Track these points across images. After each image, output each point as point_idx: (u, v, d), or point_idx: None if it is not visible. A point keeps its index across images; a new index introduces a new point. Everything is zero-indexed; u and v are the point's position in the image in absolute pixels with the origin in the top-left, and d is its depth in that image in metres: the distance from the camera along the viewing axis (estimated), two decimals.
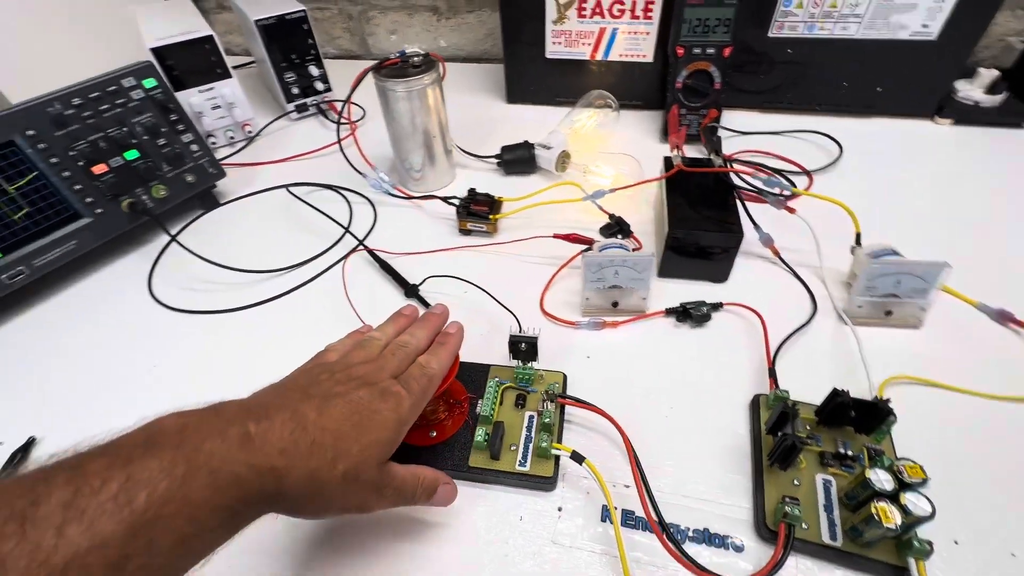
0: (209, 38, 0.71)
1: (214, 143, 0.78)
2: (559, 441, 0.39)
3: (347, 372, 0.31)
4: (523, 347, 0.41)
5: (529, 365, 0.42)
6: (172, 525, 0.21)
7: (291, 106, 0.84)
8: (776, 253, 0.53)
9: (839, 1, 0.66)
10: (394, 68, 0.59)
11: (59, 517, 0.19)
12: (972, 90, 0.72)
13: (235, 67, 0.98)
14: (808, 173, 0.65)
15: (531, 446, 0.38)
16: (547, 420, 0.38)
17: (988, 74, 0.71)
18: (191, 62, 0.72)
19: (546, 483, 0.37)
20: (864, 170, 0.66)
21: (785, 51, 0.71)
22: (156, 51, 0.69)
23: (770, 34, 0.70)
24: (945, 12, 0.64)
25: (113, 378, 0.49)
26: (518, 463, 0.37)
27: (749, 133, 0.73)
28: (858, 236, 0.50)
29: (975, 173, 0.65)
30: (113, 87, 0.56)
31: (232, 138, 0.79)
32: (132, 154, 0.58)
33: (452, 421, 0.40)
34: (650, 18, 0.71)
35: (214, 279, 0.57)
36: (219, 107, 0.76)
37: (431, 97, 0.60)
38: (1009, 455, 0.38)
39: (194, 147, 0.63)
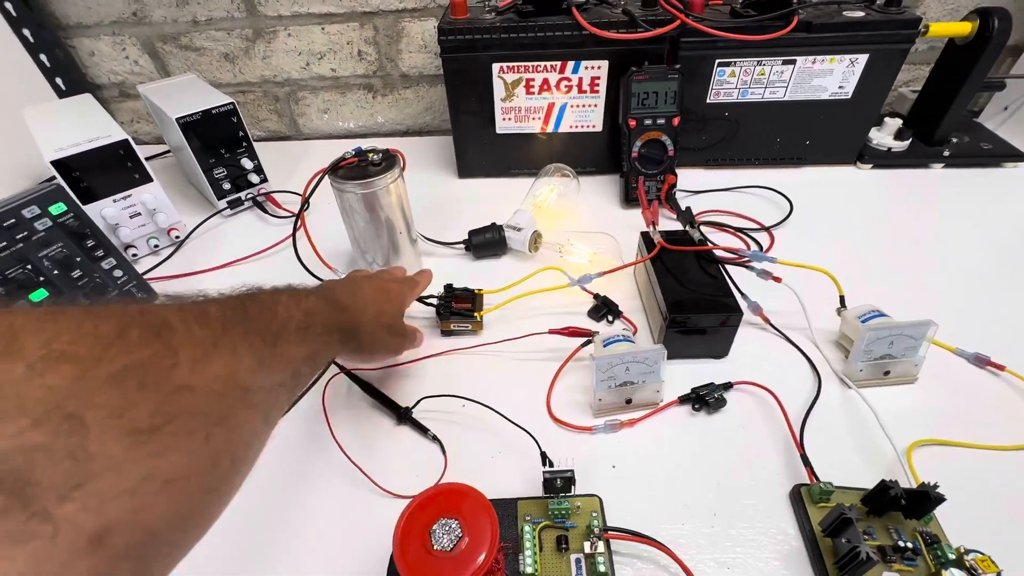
0: (124, 143, 0.63)
1: (135, 255, 0.68)
2: None
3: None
4: (558, 483, 0.37)
5: (563, 497, 0.38)
6: (321, 318, 0.33)
7: (223, 203, 0.76)
8: (766, 320, 0.54)
9: (766, 70, 0.71)
10: (351, 168, 0.55)
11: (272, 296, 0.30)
12: (883, 137, 0.80)
13: (150, 158, 0.89)
14: (767, 229, 0.68)
15: None
16: (601, 568, 0.34)
17: (893, 123, 0.79)
18: (103, 171, 0.63)
19: None
20: (812, 220, 0.70)
21: (723, 113, 0.76)
22: (59, 163, 0.59)
23: (708, 100, 0.74)
24: (856, 75, 0.71)
25: None
26: None
27: (701, 192, 0.76)
28: (842, 299, 0.52)
29: (901, 213, 0.71)
30: (10, 220, 0.47)
31: (156, 247, 0.70)
32: (39, 295, 0.48)
33: None
34: (597, 92, 0.73)
35: None
36: (139, 214, 0.67)
37: (394, 194, 0.56)
38: None
39: (118, 273, 0.54)
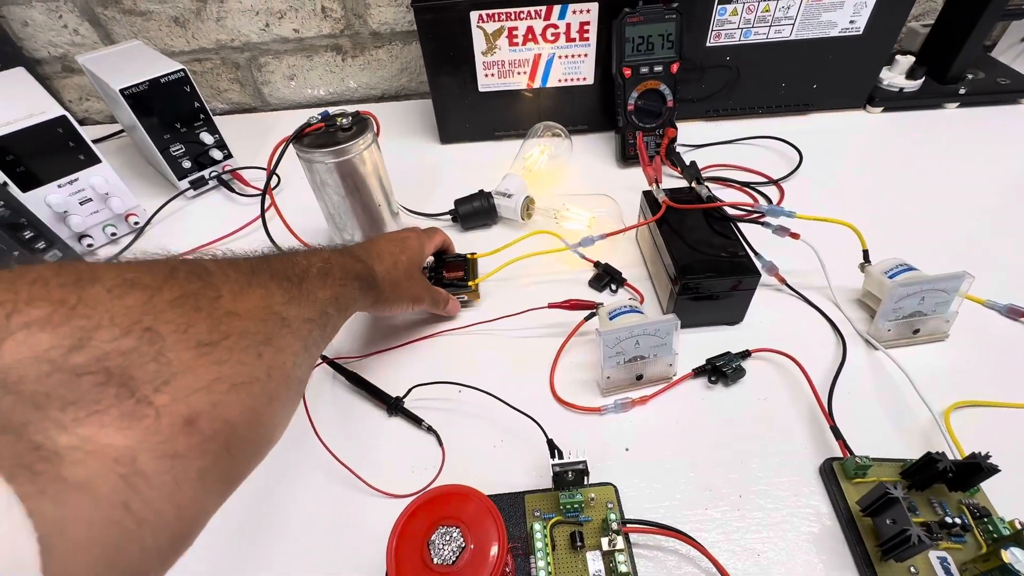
0: (62, 119, 0.56)
1: (91, 245, 0.62)
2: None
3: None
4: (570, 476, 0.33)
5: (575, 489, 0.34)
6: (338, 264, 0.34)
7: (184, 183, 0.69)
8: (782, 280, 0.50)
9: (772, 5, 0.65)
10: (319, 135, 0.49)
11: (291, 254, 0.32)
12: (894, 77, 0.74)
13: (101, 139, 0.82)
14: (776, 183, 0.63)
15: None
16: (623, 568, 0.30)
17: (905, 61, 0.73)
18: (42, 152, 0.56)
19: None
20: (822, 171, 0.65)
21: (723, 58, 0.70)
22: None
23: (708, 43, 0.68)
24: (869, 6, 0.65)
25: None
26: None
27: (703, 146, 0.71)
28: (866, 253, 0.47)
29: (916, 157, 0.66)
30: None
31: (114, 235, 0.64)
32: None
33: None
34: (587, 39, 0.66)
35: None
36: (90, 200, 0.61)
37: (369, 162, 0.51)
38: None
39: None
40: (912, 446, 0.38)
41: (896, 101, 0.74)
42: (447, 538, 0.28)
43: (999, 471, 0.31)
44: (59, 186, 0.58)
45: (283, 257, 0.31)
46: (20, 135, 0.54)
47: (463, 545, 0.28)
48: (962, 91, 0.73)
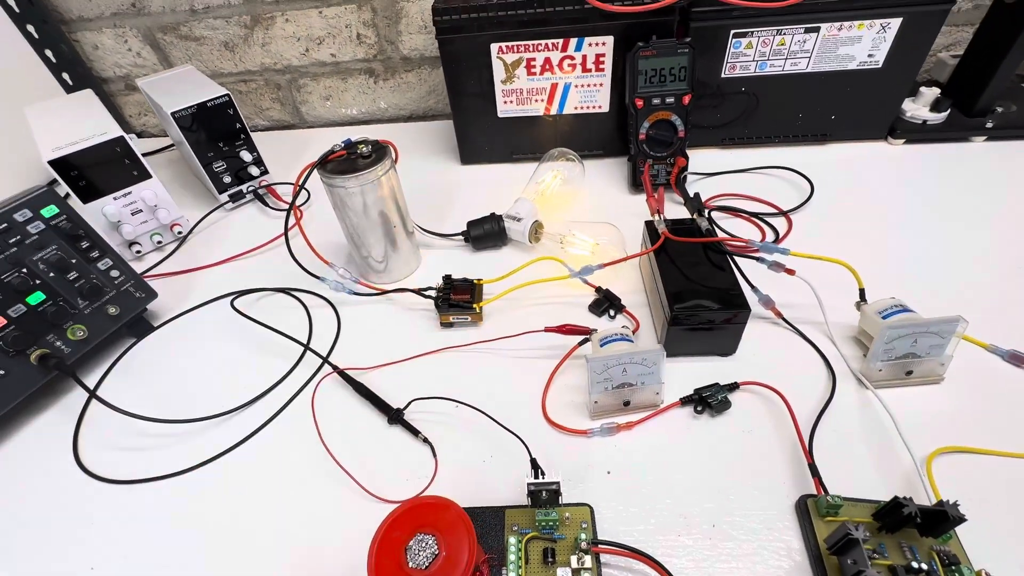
0: (120, 140, 0.63)
1: (139, 252, 0.69)
2: None
3: None
4: (544, 495, 0.35)
5: (551, 507, 0.36)
6: None
7: (224, 196, 0.76)
8: (778, 314, 0.51)
9: (787, 40, 0.65)
10: (341, 161, 0.53)
11: None
12: (918, 109, 0.73)
13: (153, 152, 0.90)
14: (785, 214, 0.64)
15: None
16: None
17: (930, 92, 0.72)
18: (101, 168, 0.63)
19: None
20: (835, 203, 0.65)
21: (739, 88, 0.71)
22: (57, 162, 0.59)
23: (723, 75, 0.69)
24: (888, 41, 0.65)
25: None
26: None
27: (715, 174, 0.72)
28: (862, 292, 0.48)
29: (936, 193, 0.65)
30: (3, 225, 0.47)
31: (160, 243, 0.70)
32: (36, 297, 0.48)
33: None
34: (602, 70, 0.69)
35: (155, 431, 0.49)
36: (140, 211, 0.67)
37: (386, 186, 0.54)
38: None
39: (114, 273, 0.54)
40: (892, 489, 0.38)
41: (919, 133, 0.73)
42: (423, 544, 0.31)
43: (965, 520, 0.32)
44: (115, 198, 0.65)
45: None
46: (84, 153, 0.61)
47: (436, 552, 0.30)
48: (990, 124, 0.71)
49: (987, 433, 0.41)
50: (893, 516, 0.33)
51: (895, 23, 0.63)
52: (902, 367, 0.44)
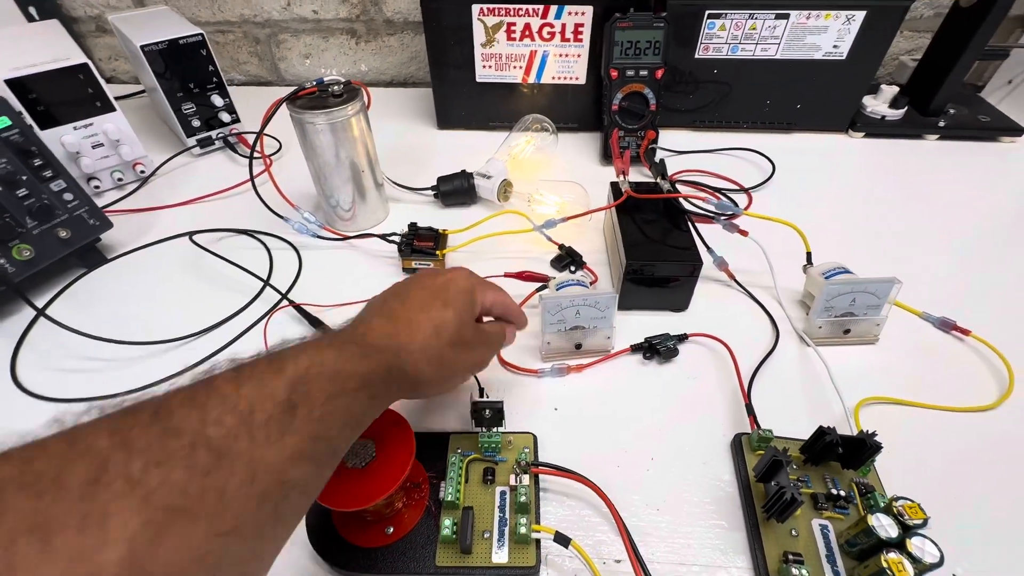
0: (83, 66, 0.61)
1: (98, 187, 0.67)
2: (537, 519, 0.34)
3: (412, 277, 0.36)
4: (487, 414, 0.36)
5: (495, 431, 0.37)
6: (319, 383, 0.24)
7: (192, 140, 0.74)
8: (731, 276, 0.53)
9: (758, 24, 0.68)
10: (312, 98, 0.53)
11: (233, 383, 0.22)
12: (878, 105, 0.77)
13: (123, 96, 0.87)
14: (746, 191, 0.66)
15: (506, 530, 0.33)
16: (523, 499, 0.33)
17: (889, 90, 0.76)
18: (62, 95, 0.61)
19: (529, 573, 0.32)
20: (795, 185, 0.68)
21: (711, 71, 0.73)
22: (14, 82, 0.57)
23: (696, 55, 0.71)
24: (852, 33, 0.68)
25: None
26: (494, 554, 0.32)
27: (685, 152, 0.74)
28: (808, 255, 0.50)
29: (889, 182, 0.69)
30: None
31: (120, 180, 0.68)
32: None
33: (410, 511, 0.34)
34: (580, 40, 0.70)
35: (102, 355, 0.47)
36: (101, 145, 0.65)
37: (356, 128, 0.54)
38: (982, 467, 0.38)
39: (67, 196, 0.53)
40: None
41: (878, 128, 0.77)
42: (362, 447, 0.31)
43: (881, 448, 0.33)
44: (75, 128, 0.63)
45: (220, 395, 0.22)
46: (44, 76, 0.59)
47: (373, 456, 0.31)
48: (942, 124, 0.75)
49: (914, 388, 0.43)
50: (817, 445, 0.35)
51: (859, 15, 0.66)
52: (840, 326, 0.47)
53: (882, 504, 0.33)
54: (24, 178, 0.49)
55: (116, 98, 0.65)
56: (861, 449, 0.34)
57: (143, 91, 0.88)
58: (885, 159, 0.73)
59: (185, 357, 0.47)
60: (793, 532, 0.33)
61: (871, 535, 0.30)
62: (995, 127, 0.75)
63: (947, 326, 0.48)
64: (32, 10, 0.85)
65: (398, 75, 0.96)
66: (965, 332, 0.47)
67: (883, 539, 0.29)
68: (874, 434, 0.34)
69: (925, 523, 0.30)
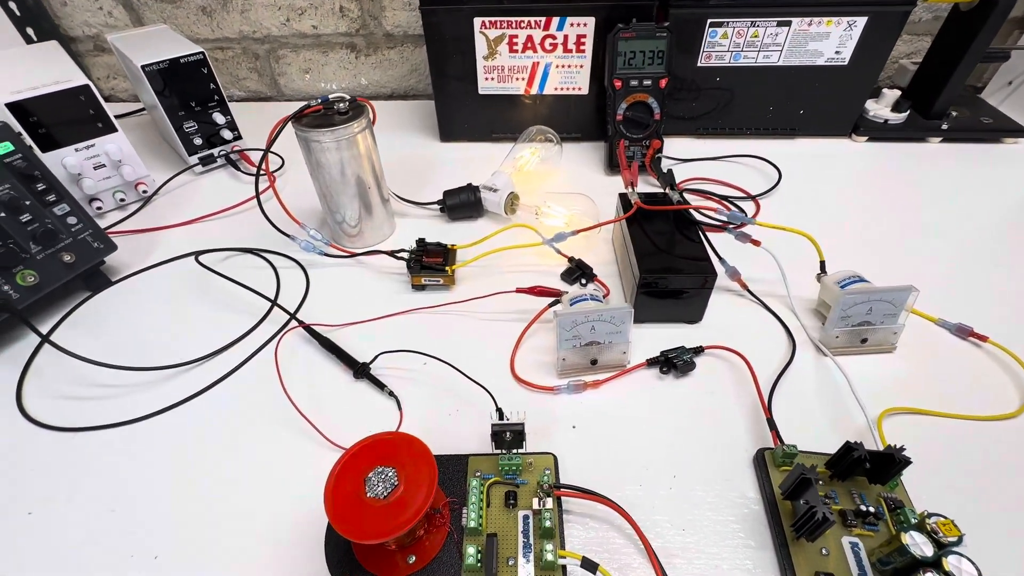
0: (84, 88, 0.60)
1: (100, 208, 0.66)
2: (562, 543, 0.34)
3: None
4: (508, 436, 0.35)
5: (514, 452, 0.36)
6: None
7: (194, 158, 0.74)
8: (743, 286, 0.52)
9: (760, 32, 0.68)
10: (317, 116, 0.52)
11: None
12: (880, 109, 0.77)
13: (123, 115, 0.86)
14: (754, 198, 0.66)
15: (531, 555, 0.32)
16: (547, 524, 0.32)
17: (891, 94, 0.76)
18: (63, 117, 0.60)
19: None
20: (801, 191, 0.68)
21: (714, 79, 0.73)
22: (15, 106, 0.57)
23: (699, 64, 0.71)
24: (854, 39, 0.68)
25: None
26: None
27: (690, 160, 0.74)
28: (822, 264, 0.50)
29: (895, 186, 0.69)
30: None
31: (123, 200, 0.68)
32: None
33: (432, 538, 0.33)
34: (583, 51, 0.70)
35: (109, 381, 0.47)
36: (103, 166, 0.65)
37: (362, 144, 0.54)
38: (1010, 478, 0.38)
39: (71, 219, 0.52)
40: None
41: (880, 132, 0.77)
42: (382, 476, 0.30)
43: (911, 462, 0.33)
44: (76, 150, 0.62)
45: None
46: (45, 99, 0.58)
47: (395, 484, 0.30)
48: (945, 126, 0.75)
49: (934, 397, 0.43)
50: (844, 461, 0.34)
51: (861, 21, 0.66)
52: (857, 335, 0.46)
53: (913, 521, 0.32)
54: (27, 203, 0.49)
55: (116, 116, 0.64)
56: (889, 464, 0.33)
57: (142, 109, 0.88)
58: (890, 163, 0.73)
59: (195, 381, 0.47)
60: (824, 551, 0.33)
61: (905, 554, 0.29)
62: (998, 128, 0.75)
63: (964, 332, 0.47)
64: (30, 31, 0.85)
65: (399, 88, 0.95)
66: (983, 338, 0.47)
67: (918, 558, 0.29)
68: (902, 448, 0.33)
69: (960, 540, 0.29)
